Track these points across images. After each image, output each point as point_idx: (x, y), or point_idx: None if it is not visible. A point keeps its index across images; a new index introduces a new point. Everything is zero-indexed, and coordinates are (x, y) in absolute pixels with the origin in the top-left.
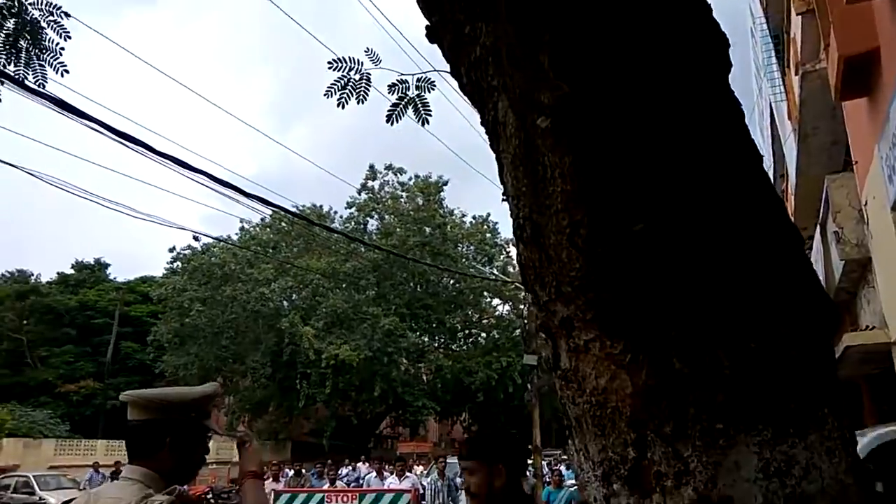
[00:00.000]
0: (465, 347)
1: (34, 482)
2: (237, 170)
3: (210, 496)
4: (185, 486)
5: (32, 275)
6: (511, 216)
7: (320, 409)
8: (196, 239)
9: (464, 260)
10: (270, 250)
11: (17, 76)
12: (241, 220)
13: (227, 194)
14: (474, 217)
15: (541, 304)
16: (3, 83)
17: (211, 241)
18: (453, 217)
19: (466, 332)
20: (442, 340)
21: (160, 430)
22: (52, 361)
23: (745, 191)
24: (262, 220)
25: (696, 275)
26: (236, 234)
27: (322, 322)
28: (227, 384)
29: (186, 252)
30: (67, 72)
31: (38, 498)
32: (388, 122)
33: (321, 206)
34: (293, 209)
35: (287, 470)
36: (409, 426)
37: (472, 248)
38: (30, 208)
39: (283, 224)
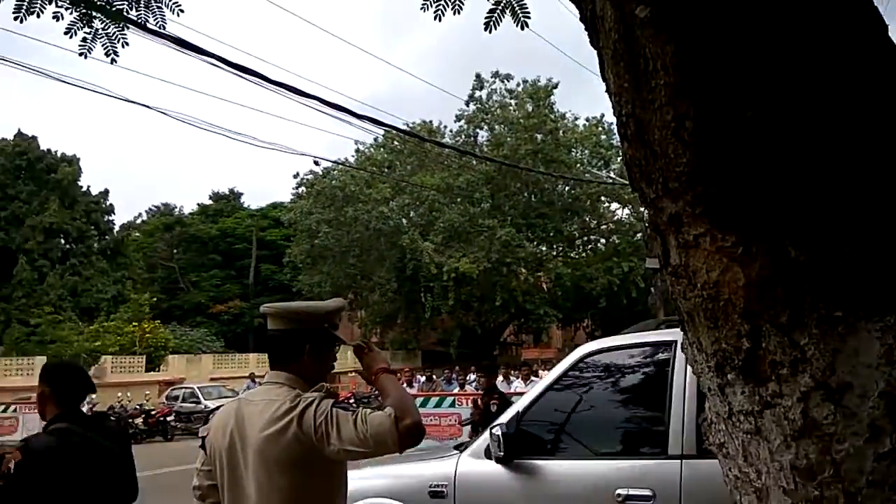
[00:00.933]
0: (584, 254)
1: (199, 393)
2: (349, 93)
3: (352, 401)
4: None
5: (176, 207)
6: (614, 114)
7: (445, 319)
8: (316, 164)
9: (578, 165)
10: (386, 170)
11: (139, 20)
12: (356, 142)
13: (340, 117)
14: (587, 119)
15: (648, 202)
16: (128, 27)
17: (330, 164)
18: (565, 121)
19: (585, 238)
20: (560, 248)
21: (299, 338)
22: (202, 285)
23: (864, 64)
24: (375, 140)
25: (811, 159)
26: (352, 156)
27: (440, 237)
28: (357, 299)
29: (309, 177)
30: (182, 11)
31: (203, 406)
32: (486, 29)
33: (431, 122)
34: (404, 127)
35: (419, 376)
36: (533, 333)
37: (586, 152)
38: (164, 146)
39: (396, 143)
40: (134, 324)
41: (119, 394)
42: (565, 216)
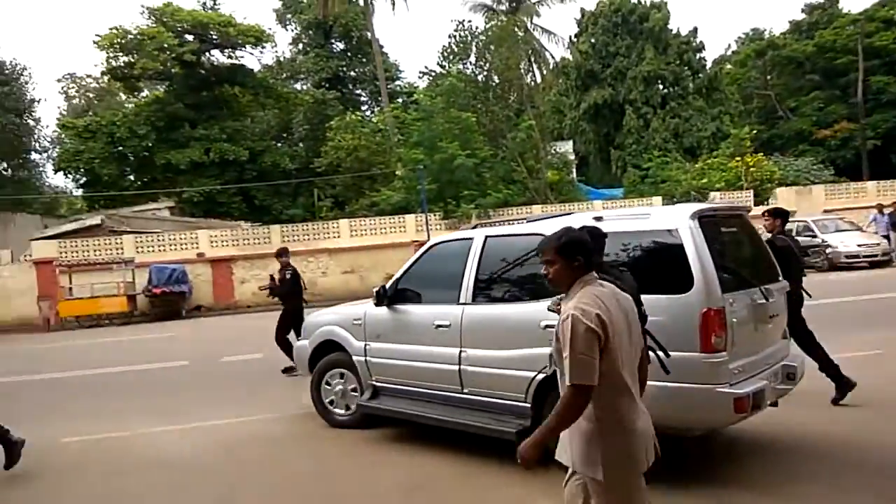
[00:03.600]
0: None
1: (813, 226)
2: None
3: None
4: None
5: (765, 30)
6: None
7: None
8: None
9: None
10: None
11: None
12: None
13: None
14: None
15: None
16: None
17: None
18: None
19: None
20: None
21: None
22: (801, 110)
23: None
24: None
25: None
26: None
27: None
28: None
29: None
30: None
31: (819, 240)
32: None
33: None
34: None
35: None
36: None
37: None
38: None
39: None
40: (737, 158)
41: None
42: None
